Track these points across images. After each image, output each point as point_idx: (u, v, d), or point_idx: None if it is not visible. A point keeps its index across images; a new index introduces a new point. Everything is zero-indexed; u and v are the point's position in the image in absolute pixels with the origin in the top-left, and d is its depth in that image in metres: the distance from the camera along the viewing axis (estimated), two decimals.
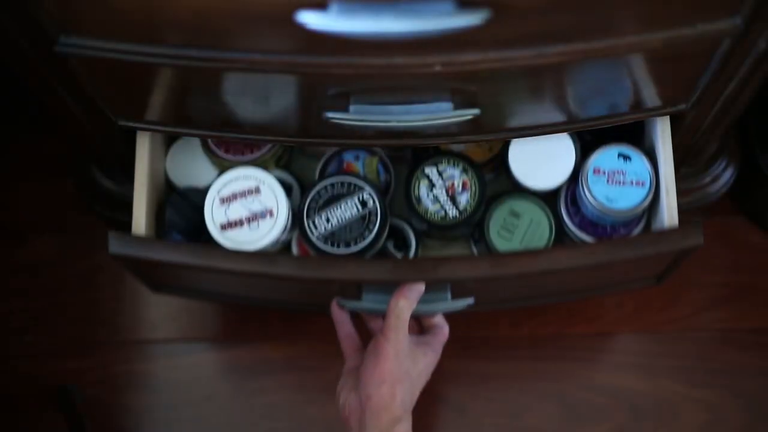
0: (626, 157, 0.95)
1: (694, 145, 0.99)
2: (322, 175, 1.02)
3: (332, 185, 0.96)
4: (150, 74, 0.79)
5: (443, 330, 1.02)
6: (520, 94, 0.83)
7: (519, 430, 1.28)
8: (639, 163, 0.95)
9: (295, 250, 1.00)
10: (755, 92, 0.86)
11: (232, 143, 0.99)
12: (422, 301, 0.94)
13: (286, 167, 1.07)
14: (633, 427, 1.31)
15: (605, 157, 0.95)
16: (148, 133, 0.94)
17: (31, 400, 1.36)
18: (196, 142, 1.01)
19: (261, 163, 0.99)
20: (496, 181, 1.06)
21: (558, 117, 0.89)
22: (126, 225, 0.97)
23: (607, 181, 0.95)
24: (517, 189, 1.01)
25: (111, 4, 0.68)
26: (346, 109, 0.80)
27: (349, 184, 0.95)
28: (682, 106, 0.89)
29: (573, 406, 1.28)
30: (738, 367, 1.33)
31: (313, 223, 0.94)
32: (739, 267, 1.38)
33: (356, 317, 1.04)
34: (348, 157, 1.03)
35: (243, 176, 0.95)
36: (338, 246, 0.94)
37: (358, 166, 1.03)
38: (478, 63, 0.72)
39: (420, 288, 0.92)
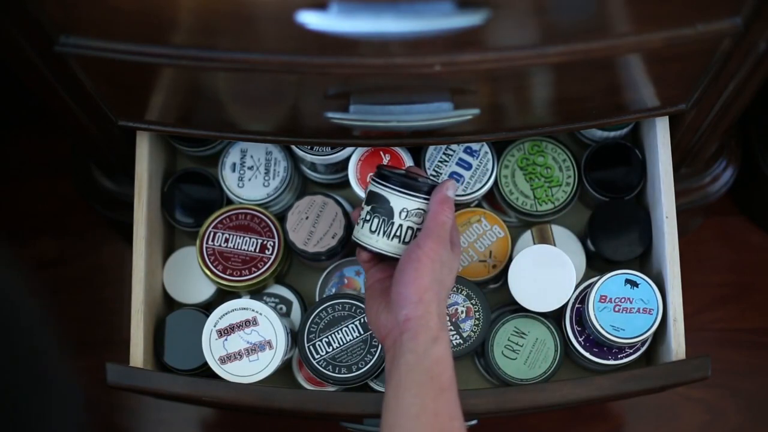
0: (633, 284, 0.93)
1: (694, 146, 0.99)
2: (323, 288, 1.01)
3: (333, 306, 0.94)
4: (150, 74, 0.79)
5: (445, 208, 0.85)
6: (520, 94, 0.83)
7: (519, 428, 1.28)
8: (646, 289, 0.92)
9: (295, 369, 0.99)
10: (755, 92, 0.86)
11: (230, 260, 0.98)
12: None
13: (285, 279, 1.05)
14: (633, 427, 1.32)
15: (612, 284, 0.93)
16: (147, 133, 0.94)
17: None
18: (193, 255, 1.00)
19: (260, 283, 0.98)
20: (500, 292, 1.03)
21: (558, 117, 0.89)
22: (126, 225, 0.97)
23: (614, 309, 0.92)
24: (521, 309, 0.97)
25: (111, 4, 0.68)
26: (346, 109, 0.80)
27: (351, 305, 0.94)
28: (681, 106, 0.89)
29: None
30: (738, 367, 1.33)
31: (314, 347, 0.93)
32: (739, 267, 1.38)
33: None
34: (349, 272, 1.01)
35: (240, 307, 0.93)
36: (340, 371, 0.93)
37: (359, 282, 1.01)
38: (478, 63, 0.72)
39: (454, 184, 0.86)
